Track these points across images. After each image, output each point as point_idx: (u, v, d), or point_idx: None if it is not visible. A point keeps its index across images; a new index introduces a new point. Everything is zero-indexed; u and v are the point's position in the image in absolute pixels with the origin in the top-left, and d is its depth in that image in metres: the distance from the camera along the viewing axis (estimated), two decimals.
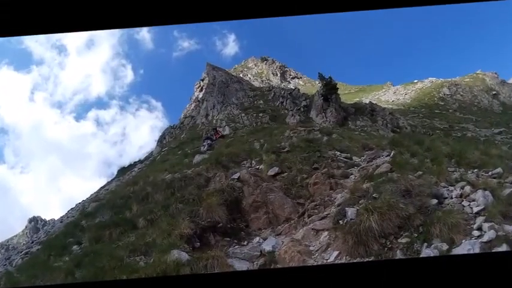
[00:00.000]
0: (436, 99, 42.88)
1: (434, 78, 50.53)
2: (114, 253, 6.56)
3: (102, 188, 22.54)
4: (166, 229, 6.94)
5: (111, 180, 24.59)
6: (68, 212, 19.29)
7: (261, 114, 26.90)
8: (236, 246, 7.22)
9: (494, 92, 44.65)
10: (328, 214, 7.02)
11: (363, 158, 10.13)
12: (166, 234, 6.74)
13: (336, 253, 5.71)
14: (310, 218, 7.38)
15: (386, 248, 5.26)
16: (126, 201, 10.34)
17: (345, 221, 5.93)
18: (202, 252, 6.26)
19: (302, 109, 26.80)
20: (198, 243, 6.88)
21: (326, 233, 6.43)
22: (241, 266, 6.27)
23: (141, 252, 6.49)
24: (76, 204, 20.21)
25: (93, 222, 9.95)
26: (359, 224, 5.51)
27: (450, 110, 38.63)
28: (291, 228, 7.58)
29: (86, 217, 11.11)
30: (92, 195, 20.91)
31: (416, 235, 5.17)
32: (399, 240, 5.23)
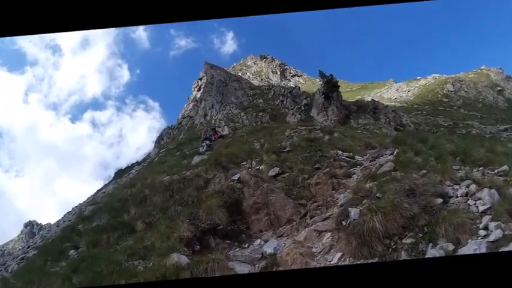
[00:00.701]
0: (439, 96, 42.87)
1: (438, 75, 50.52)
2: (112, 257, 6.56)
3: (99, 190, 22.52)
4: (165, 232, 6.94)
5: (108, 182, 24.57)
6: (65, 215, 19.27)
7: (260, 114, 26.90)
8: (237, 249, 7.23)
9: (499, 88, 44.63)
10: (331, 215, 7.03)
11: (366, 157, 10.13)
12: (165, 238, 6.74)
13: (339, 254, 5.72)
14: (313, 219, 7.38)
15: (390, 249, 5.26)
16: (123, 204, 10.34)
17: (348, 222, 5.93)
18: (203, 255, 6.27)
19: (303, 108, 26.81)
20: (198, 246, 6.89)
21: (329, 234, 6.43)
22: (242, 269, 6.28)
23: (139, 256, 6.50)
24: (72, 208, 20.19)
25: (90, 226, 9.95)
26: (362, 224, 5.51)
27: (454, 107, 38.61)
28: (292, 229, 7.59)
29: (83, 221, 11.11)
30: (88, 198, 20.88)
31: (421, 235, 5.17)
32: (404, 241, 5.23)
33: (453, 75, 48.58)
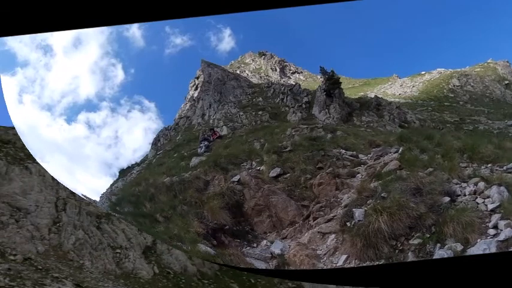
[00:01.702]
0: (445, 91, 42.70)
1: (443, 69, 50.31)
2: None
3: (112, 184, 22.81)
4: (183, 226, 7.16)
5: (117, 179, 24.87)
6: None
7: (260, 112, 26.85)
8: (248, 248, 7.37)
9: (506, 82, 44.46)
10: (335, 216, 7.03)
11: (370, 155, 10.13)
12: (185, 231, 6.97)
13: (344, 257, 5.72)
14: (316, 221, 7.39)
15: (397, 250, 5.27)
16: (137, 198, 10.47)
17: (353, 223, 5.94)
18: (221, 249, 6.45)
19: (304, 106, 26.73)
20: (215, 242, 7.13)
21: (333, 236, 6.44)
22: (259, 265, 6.51)
23: (177, 240, 6.89)
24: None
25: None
26: (367, 225, 5.52)
27: (461, 102, 38.48)
28: (296, 231, 7.60)
29: (115, 206, 11.44)
30: (107, 189, 21.25)
31: (428, 235, 5.17)
32: (410, 242, 5.24)
33: (459, 70, 48.33)
